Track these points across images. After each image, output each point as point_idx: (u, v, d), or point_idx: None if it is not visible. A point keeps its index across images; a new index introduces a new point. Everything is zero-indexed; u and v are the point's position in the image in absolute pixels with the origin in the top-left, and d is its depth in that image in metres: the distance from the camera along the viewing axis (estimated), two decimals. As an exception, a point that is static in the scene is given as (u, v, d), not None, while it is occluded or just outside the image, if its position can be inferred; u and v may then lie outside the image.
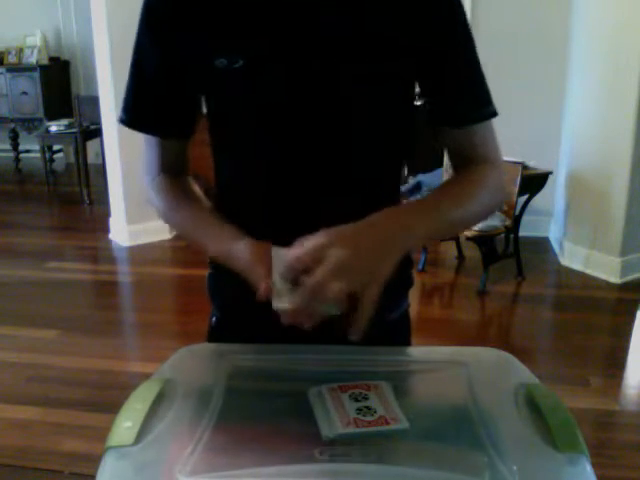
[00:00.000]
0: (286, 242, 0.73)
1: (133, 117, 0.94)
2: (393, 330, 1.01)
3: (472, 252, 3.84)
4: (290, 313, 0.70)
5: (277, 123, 0.87)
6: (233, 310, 1.00)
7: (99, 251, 4.38)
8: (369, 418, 0.68)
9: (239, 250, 0.80)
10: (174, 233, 4.25)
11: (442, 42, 0.86)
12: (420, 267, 3.74)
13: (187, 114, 0.94)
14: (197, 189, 0.98)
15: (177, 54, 0.87)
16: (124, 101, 0.93)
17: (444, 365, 0.83)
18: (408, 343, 1.03)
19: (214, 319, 1.03)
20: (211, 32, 0.84)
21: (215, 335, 1.03)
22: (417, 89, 0.92)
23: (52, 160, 6.39)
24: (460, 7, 0.87)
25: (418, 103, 0.93)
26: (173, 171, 0.97)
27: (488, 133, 0.92)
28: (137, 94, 0.93)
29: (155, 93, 0.91)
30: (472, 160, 0.91)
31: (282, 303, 0.71)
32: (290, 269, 0.71)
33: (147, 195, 0.97)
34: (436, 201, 0.87)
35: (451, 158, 0.94)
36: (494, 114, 0.91)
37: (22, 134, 6.58)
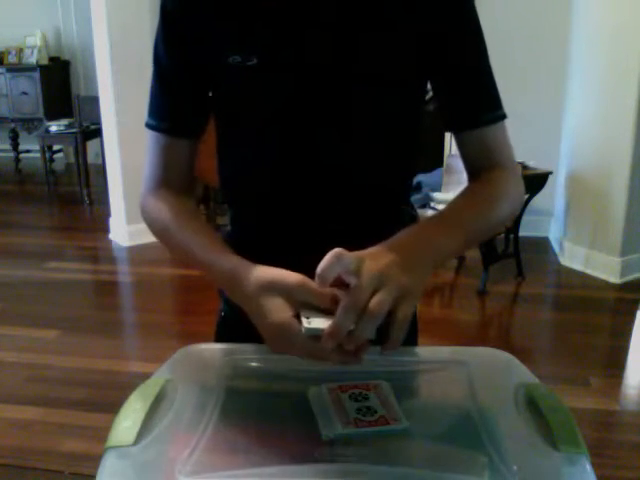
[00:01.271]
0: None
1: (157, 119, 0.92)
2: None
3: (472, 252, 3.83)
4: (325, 336, 0.64)
5: (284, 121, 0.88)
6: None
7: (99, 251, 4.38)
8: (369, 418, 0.68)
9: (243, 296, 0.74)
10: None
11: (450, 45, 0.86)
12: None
13: (201, 111, 0.93)
14: (198, 210, 0.94)
15: (193, 52, 0.87)
16: (149, 105, 0.93)
17: (444, 365, 0.83)
18: (415, 345, 1.03)
19: (222, 313, 1.04)
20: (227, 30, 0.85)
21: (223, 329, 1.04)
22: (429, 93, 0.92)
23: (52, 160, 6.39)
24: (470, 12, 0.87)
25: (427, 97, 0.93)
26: (176, 184, 0.93)
27: (501, 137, 0.91)
28: (159, 95, 0.92)
29: (173, 91, 0.91)
30: (486, 165, 0.90)
31: (315, 324, 0.64)
32: (321, 277, 0.65)
33: (141, 209, 0.93)
34: (460, 216, 0.84)
35: (465, 162, 0.93)
36: (504, 117, 0.90)
37: (22, 134, 6.59)
